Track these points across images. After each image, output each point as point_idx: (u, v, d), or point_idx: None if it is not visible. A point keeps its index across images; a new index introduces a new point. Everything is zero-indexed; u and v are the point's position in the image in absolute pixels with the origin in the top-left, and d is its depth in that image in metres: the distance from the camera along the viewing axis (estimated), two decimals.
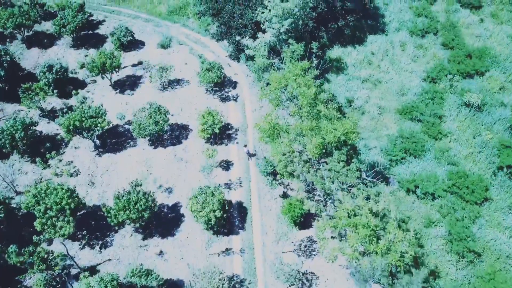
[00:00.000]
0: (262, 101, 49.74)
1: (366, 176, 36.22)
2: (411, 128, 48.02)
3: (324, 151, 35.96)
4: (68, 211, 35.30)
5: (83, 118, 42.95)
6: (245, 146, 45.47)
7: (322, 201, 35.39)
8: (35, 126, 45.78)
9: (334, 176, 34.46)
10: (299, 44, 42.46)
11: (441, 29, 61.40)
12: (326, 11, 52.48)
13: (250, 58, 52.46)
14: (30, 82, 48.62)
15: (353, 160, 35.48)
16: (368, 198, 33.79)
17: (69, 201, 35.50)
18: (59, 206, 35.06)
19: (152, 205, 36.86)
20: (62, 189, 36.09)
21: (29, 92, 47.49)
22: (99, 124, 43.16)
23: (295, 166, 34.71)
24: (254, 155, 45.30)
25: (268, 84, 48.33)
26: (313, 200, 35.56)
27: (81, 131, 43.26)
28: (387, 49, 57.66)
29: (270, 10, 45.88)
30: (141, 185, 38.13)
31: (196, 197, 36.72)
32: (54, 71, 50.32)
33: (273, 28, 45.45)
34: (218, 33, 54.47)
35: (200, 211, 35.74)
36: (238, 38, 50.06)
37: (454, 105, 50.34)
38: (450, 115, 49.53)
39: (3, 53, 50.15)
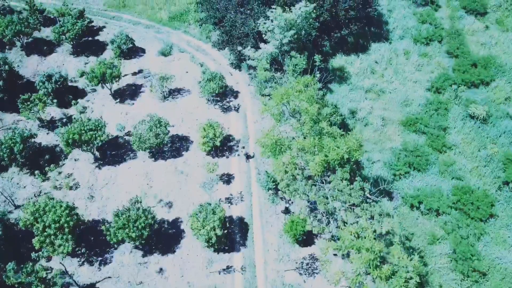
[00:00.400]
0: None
1: (370, 194, 35.58)
2: (415, 140, 47.31)
3: (327, 167, 35.31)
4: (67, 230, 34.75)
5: (82, 131, 42.34)
6: (243, 147, 45.81)
7: (325, 220, 34.78)
8: (34, 137, 45.19)
9: (338, 195, 33.83)
10: (301, 57, 41.69)
11: (445, 37, 60.57)
12: (329, 20, 51.61)
13: (252, 67, 51.75)
14: (29, 93, 48.01)
15: (356, 178, 34.79)
16: (372, 218, 33.16)
17: (67, 219, 34.96)
18: (57, 225, 34.52)
19: (152, 222, 36.29)
20: (61, 206, 35.54)
21: (28, 103, 46.88)
22: (98, 138, 42.56)
23: (298, 184, 34.07)
24: (252, 157, 45.18)
25: (269, 95, 47.74)
26: (316, 218, 34.95)
27: (80, 145, 42.66)
28: (391, 57, 56.83)
29: (272, 20, 45.09)
30: (141, 202, 37.55)
31: (196, 214, 36.15)
32: (53, 80, 49.69)
33: (275, 39, 44.68)
34: (220, 42, 53.72)
35: (201, 230, 35.18)
36: (239, 48, 49.29)
37: (458, 117, 49.59)
38: (455, 127, 48.79)
39: (1, 63, 49.51)
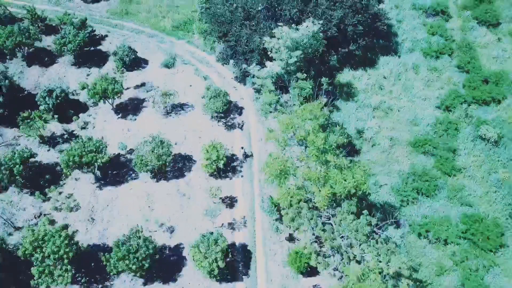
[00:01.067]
0: (269, 127, 47.99)
1: (377, 228, 34.53)
2: (424, 162, 46.07)
3: (333, 199, 34.30)
4: (66, 260, 34.04)
5: (83, 153, 41.46)
6: (242, 147, 46.12)
7: (330, 253, 33.81)
8: (34, 157, 44.38)
9: (344, 231, 32.83)
10: (308, 81, 40.41)
11: (456, 49, 58.85)
12: (337, 35, 50.09)
13: (257, 86, 50.44)
14: (29, 110, 47.13)
15: (363, 212, 33.75)
16: (379, 254, 32.16)
17: (67, 250, 34.22)
18: (57, 255, 33.81)
19: (153, 252, 35.47)
20: (60, 236, 34.79)
21: (28, 120, 46.03)
22: (99, 160, 41.67)
23: (303, 219, 33.08)
24: (250, 156, 45.52)
25: (274, 116, 46.61)
26: (321, 251, 33.98)
27: (80, 166, 41.83)
28: (400, 72, 55.32)
29: (278, 38, 43.71)
30: (142, 231, 36.72)
31: (198, 245, 35.30)
32: (54, 96, 48.71)
33: (281, 60, 43.36)
34: (224, 57, 52.42)
35: (202, 261, 34.35)
36: (244, 66, 47.97)
37: (469, 138, 48.23)
38: (465, 148, 47.47)
39: (2, 77, 48.56)
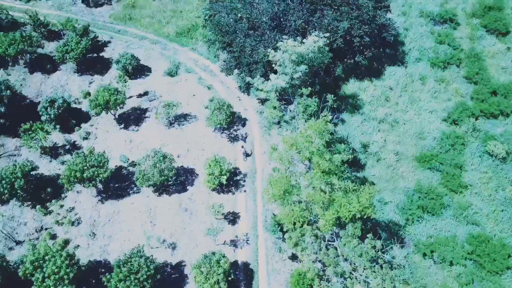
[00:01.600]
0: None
1: (382, 252, 33.95)
2: (429, 178, 45.37)
3: (337, 222, 33.71)
4: (66, 281, 33.72)
5: (85, 167, 41.03)
6: (242, 147, 46.44)
7: (334, 278, 33.31)
8: (36, 170, 44.00)
9: (348, 255, 32.29)
10: (313, 98, 39.69)
11: (464, 59, 57.82)
12: (343, 46, 49.22)
13: (261, 99, 49.80)
14: (30, 121, 46.70)
15: (367, 236, 33.17)
16: (383, 280, 31.62)
17: (67, 270, 33.89)
18: (57, 276, 33.49)
19: (154, 272, 35.08)
20: (61, 255, 34.45)
21: (30, 132, 45.61)
22: (101, 175, 41.23)
23: (306, 243, 32.55)
24: (250, 155, 45.81)
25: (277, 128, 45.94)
26: (324, 275, 33.49)
27: (82, 181, 41.42)
28: (406, 83, 54.44)
29: (283, 52, 42.90)
30: (143, 251, 36.32)
31: (199, 266, 34.88)
32: (56, 106, 48.22)
33: (285, 74, 42.58)
34: (228, 68, 51.67)
35: (204, 283, 33.95)
36: (248, 79, 47.22)
37: (476, 153, 47.44)
38: (472, 164, 46.71)
39: (3, 88, 48.05)
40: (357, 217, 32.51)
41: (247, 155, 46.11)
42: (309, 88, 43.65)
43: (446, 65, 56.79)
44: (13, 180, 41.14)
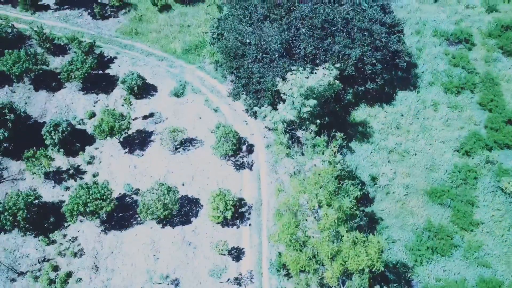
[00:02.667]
0: (279, 173, 46.39)
1: None
2: (440, 215, 44.18)
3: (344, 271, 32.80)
4: None
5: (88, 200, 40.38)
6: (245, 143, 47.64)
7: None
8: (39, 199, 43.47)
9: None
10: (322, 137, 38.52)
11: (478, 83, 56.03)
12: (354, 74, 47.79)
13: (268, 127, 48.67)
14: (34, 148, 46.06)
15: (375, 287, 32.25)
16: None
17: None
18: None
19: None
20: None
21: (33, 159, 45.00)
22: (104, 208, 40.59)
23: None
24: (252, 152, 47.22)
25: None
26: None
27: (85, 214, 40.84)
28: (418, 110, 52.90)
29: (291, 84, 41.60)
30: None
31: None
32: (60, 130, 47.49)
33: (294, 108, 41.36)
34: (235, 93, 50.53)
35: None
36: (256, 109, 46.07)
37: (488, 188, 46.07)
38: (484, 200, 45.38)
39: (7, 111, 47.40)
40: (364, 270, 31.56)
41: (250, 151, 47.41)
42: (318, 122, 42.45)
43: (460, 90, 55.10)
44: (15, 211, 40.66)
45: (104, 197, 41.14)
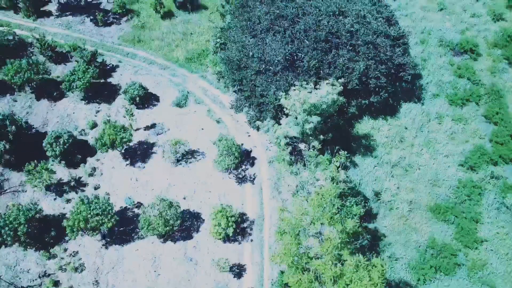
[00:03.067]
0: (281, 191, 45.99)
1: None
2: (444, 232, 43.75)
3: None
4: None
5: (89, 216, 40.13)
6: (242, 144, 48.54)
7: None
8: (40, 213, 43.23)
9: None
10: (325, 156, 38.12)
11: (484, 95, 55.36)
12: (358, 88, 47.28)
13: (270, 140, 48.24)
14: (35, 161, 45.79)
15: None
16: None
17: None
18: None
19: None
20: None
21: (34, 172, 44.75)
22: (105, 224, 40.33)
23: None
24: (251, 151, 48.91)
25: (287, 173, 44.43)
26: None
27: (86, 230, 40.61)
28: (422, 123, 52.32)
29: (294, 100, 41.12)
30: None
31: None
32: (61, 142, 47.19)
33: (296, 124, 40.92)
34: (237, 106, 50.13)
35: None
36: (258, 123, 45.69)
37: (493, 205, 45.56)
38: (488, 217, 44.89)
39: (8, 123, 47.14)
40: None
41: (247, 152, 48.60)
42: (321, 137, 42.02)
43: (465, 102, 54.48)
44: (16, 226, 40.46)
45: (105, 212, 40.86)
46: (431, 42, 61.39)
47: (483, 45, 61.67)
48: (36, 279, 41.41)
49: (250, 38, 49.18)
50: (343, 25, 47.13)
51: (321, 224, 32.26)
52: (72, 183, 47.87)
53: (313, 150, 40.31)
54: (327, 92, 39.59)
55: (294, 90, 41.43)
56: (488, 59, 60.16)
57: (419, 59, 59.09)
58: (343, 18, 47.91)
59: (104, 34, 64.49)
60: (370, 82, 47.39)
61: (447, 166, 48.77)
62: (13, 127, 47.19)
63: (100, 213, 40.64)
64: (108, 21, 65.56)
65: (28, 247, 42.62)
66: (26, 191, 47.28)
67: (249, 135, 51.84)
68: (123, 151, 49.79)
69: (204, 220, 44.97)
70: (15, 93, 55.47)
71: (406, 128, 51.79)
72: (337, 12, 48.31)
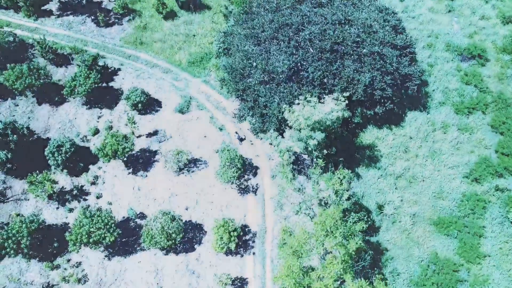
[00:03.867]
0: (285, 205, 45.71)
1: None
2: (446, 246, 43.63)
3: None
4: None
5: (91, 230, 40.17)
6: (236, 132, 49.88)
7: None
8: (43, 224, 43.30)
9: None
10: (328, 174, 37.73)
11: (491, 104, 54.47)
12: (363, 99, 46.59)
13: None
14: (37, 171, 45.70)
15: None
16: None
17: None
18: None
19: None
20: None
21: (36, 183, 44.69)
22: (107, 238, 40.39)
23: None
24: (244, 139, 49.27)
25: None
26: None
27: (88, 244, 40.70)
28: (427, 132, 51.67)
29: (298, 115, 40.54)
30: None
31: None
32: (63, 151, 46.95)
33: (300, 139, 40.43)
34: (240, 116, 49.60)
35: None
36: (262, 135, 45.22)
37: (497, 219, 45.28)
38: (492, 231, 44.66)
39: (9, 132, 46.86)
40: None
41: (241, 139, 49.01)
42: (325, 152, 41.59)
43: (471, 110, 53.68)
44: (19, 238, 40.60)
45: (108, 226, 40.86)
46: (439, 46, 60.20)
47: (491, 50, 60.42)
48: None
49: (254, 47, 48.28)
50: (349, 34, 46.16)
51: (324, 249, 32.13)
52: (75, 192, 47.82)
53: (316, 166, 39.90)
54: (331, 109, 38.96)
55: (298, 104, 40.80)
56: (496, 65, 59.02)
57: (425, 64, 58.04)
58: (349, 27, 46.87)
59: (105, 35, 63.56)
60: (376, 93, 46.65)
61: (452, 178, 48.33)
62: (15, 136, 46.91)
63: (103, 227, 40.64)
64: (109, 21, 64.56)
65: (32, 258, 42.82)
66: (28, 200, 47.37)
67: (252, 143, 51.38)
68: (125, 159, 49.57)
69: (206, 232, 44.96)
70: (16, 97, 55.10)
71: (410, 138, 51.19)
72: (343, 21, 47.25)
